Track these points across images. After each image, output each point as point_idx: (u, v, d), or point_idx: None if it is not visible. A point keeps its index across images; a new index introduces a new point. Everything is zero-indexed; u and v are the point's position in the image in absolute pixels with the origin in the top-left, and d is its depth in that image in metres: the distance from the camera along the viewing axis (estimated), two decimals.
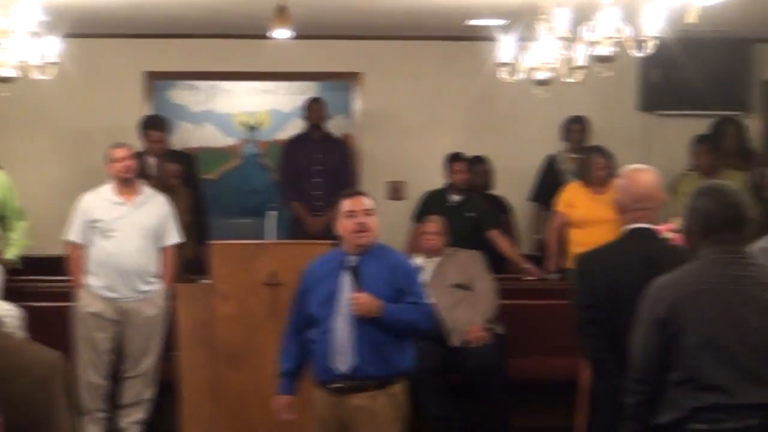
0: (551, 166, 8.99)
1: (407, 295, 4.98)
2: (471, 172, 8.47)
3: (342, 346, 4.91)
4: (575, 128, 8.95)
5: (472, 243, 7.64)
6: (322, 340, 4.94)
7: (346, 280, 4.96)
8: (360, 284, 4.90)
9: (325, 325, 4.94)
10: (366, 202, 5.04)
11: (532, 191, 9.10)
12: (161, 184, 7.71)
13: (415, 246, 7.85)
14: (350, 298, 4.90)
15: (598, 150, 8.29)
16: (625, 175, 4.51)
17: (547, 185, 8.68)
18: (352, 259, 4.97)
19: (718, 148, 8.70)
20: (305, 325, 5.05)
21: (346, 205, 5.03)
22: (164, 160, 7.96)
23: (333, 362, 4.91)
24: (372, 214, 5.02)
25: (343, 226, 5.01)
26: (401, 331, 4.98)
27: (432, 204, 8.19)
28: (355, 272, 4.92)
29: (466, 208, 8.14)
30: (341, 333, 4.91)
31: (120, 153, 7.03)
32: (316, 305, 4.99)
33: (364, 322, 4.89)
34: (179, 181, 8.09)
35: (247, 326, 6.22)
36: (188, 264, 7.67)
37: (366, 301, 4.88)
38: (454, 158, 8.32)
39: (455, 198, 8.22)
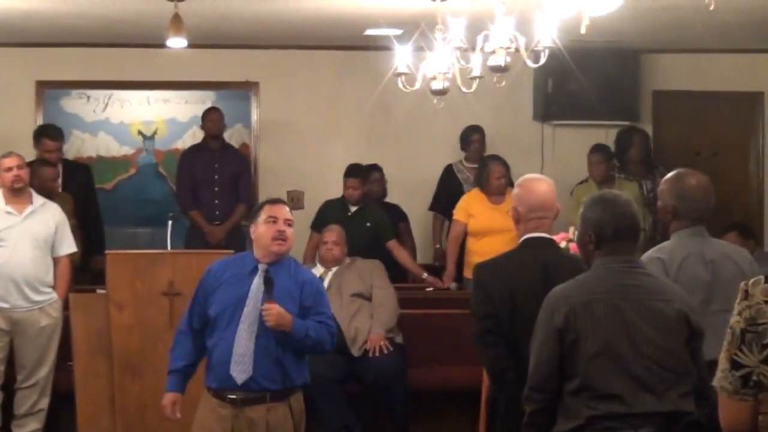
0: (450, 175, 9.05)
1: (314, 314, 4.92)
2: (367, 181, 8.50)
3: (242, 355, 4.81)
4: (474, 138, 9.03)
5: (370, 253, 7.66)
6: (221, 346, 4.84)
7: (254, 288, 4.87)
8: (271, 294, 4.81)
9: (226, 332, 4.84)
10: (287, 212, 4.99)
11: (432, 200, 9.16)
12: (41, 190, 7.56)
13: (313, 255, 7.87)
14: (263, 308, 4.79)
15: (496, 159, 8.38)
16: (522, 185, 4.54)
17: (447, 194, 8.75)
18: (263, 268, 4.89)
19: (623, 158, 8.83)
20: (202, 325, 4.95)
21: (268, 210, 4.95)
22: (37, 166, 7.79)
23: (231, 371, 4.80)
24: (291, 225, 4.96)
25: (261, 231, 4.91)
26: (306, 347, 4.91)
27: (330, 214, 8.19)
28: (269, 282, 4.83)
29: (364, 217, 8.16)
30: (243, 342, 4.82)
31: (10, 162, 6.93)
32: (218, 309, 4.87)
33: (267, 334, 4.81)
34: (56, 185, 7.91)
35: (144, 336, 6.16)
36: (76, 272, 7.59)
37: (279, 313, 4.79)
38: (348, 173, 8.31)
39: (353, 208, 8.23)
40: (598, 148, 8.84)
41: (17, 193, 6.93)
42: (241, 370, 4.80)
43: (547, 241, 4.46)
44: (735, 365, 2.77)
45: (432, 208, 9.15)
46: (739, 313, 2.79)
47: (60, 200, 7.61)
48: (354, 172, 8.30)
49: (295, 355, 4.91)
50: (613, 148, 9.06)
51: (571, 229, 5.66)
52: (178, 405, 4.97)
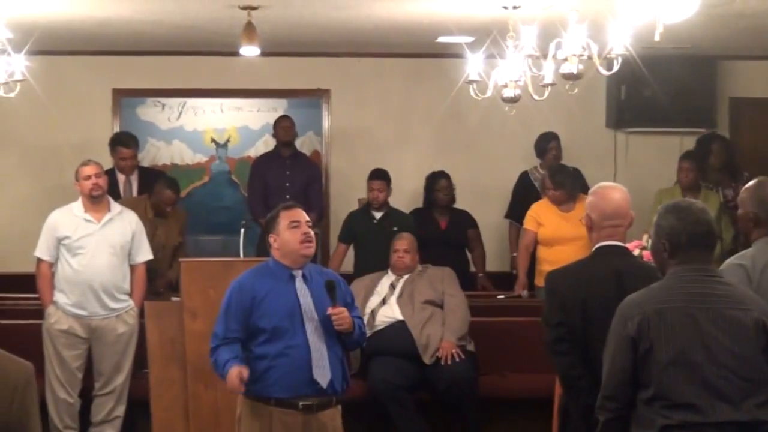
0: (526, 182, 9.01)
1: (352, 311, 5.03)
2: (436, 187, 8.53)
3: (320, 359, 4.85)
4: (551, 145, 8.97)
5: None
6: (293, 354, 4.85)
7: (302, 294, 4.92)
8: (337, 298, 4.88)
9: (294, 339, 4.86)
10: (305, 214, 5.05)
11: (508, 208, 9.12)
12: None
13: (338, 266, 8.05)
14: (332, 312, 4.86)
15: (562, 168, 8.33)
16: (595, 193, 4.51)
17: (522, 202, 8.68)
18: (301, 275, 4.96)
19: (703, 166, 8.73)
20: (248, 338, 4.91)
21: (287, 216, 4.99)
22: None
23: (314, 376, 4.83)
24: (312, 227, 5.04)
25: (286, 237, 4.94)
26: (357, 345, 5.12)
27: (356, 223, 8.26)
28: (333, 287, 4.90)
29: (390, 223, 8.17)
30: (317, 346, 4.87)
31: (89, 170, 7.01)
32: (273, 320, 4.88)
33: (331, 337, 4.90)
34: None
35: None
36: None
37: (347, 315, 4.90)
38: (372, 176, 8.36)
39: (377, 215, 8.25)
40: (689, 155, 8.72)
41: (96, 201, 7.01)
42: (322, 373, 4.86)
43: (621, 249, 4.43)
44: None
45: (508, 215, 9.11)
46: None
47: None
48: (378, 174, 8.34)
49: (347, 357, 5.07)
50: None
51: (645, 236, 5.62)
52: (245, 374, 4.79)
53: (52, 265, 7.00)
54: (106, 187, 7.13)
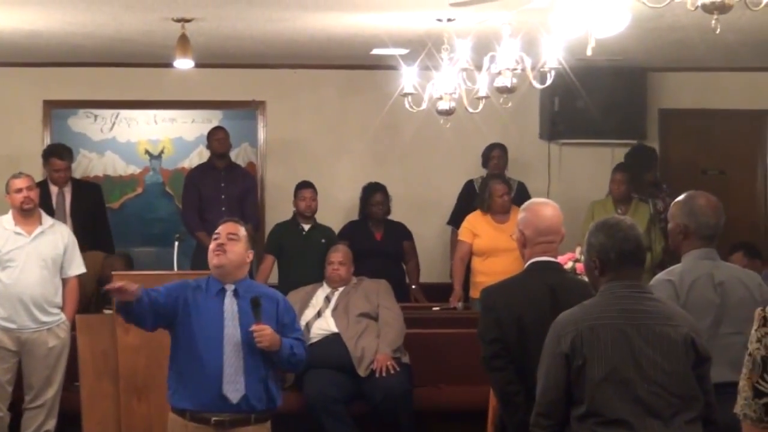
0: (470, 191, 9.04)
1: (290, 331, 5.00)
2: (371, 201, 8.55)
3: (233, 374, 4.83)
4: (494, 154, 9.03)
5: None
6: (206, 366, 4.83)
7: (228, 309, 4.90)
8: (260, 315, 4.86)
9: (209, 353, 4.84)
10: (232, 227, 5.02)
11: (451, 215, 9.16)
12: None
13: (265, 277, 8.07)
14: (254, 329, 4.83)
15: (497, 177, 8.39)
16: (528, 209, 4.52)
17: (466, 210, 8.69)
18: (231, 291, 4.93)
19: (634, 177, 8.80)
20: (162, 300, 4.88)
21: (217, 230, 5.04)
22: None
23: (224, 391, 4.81)
24: (235, 240, 4.98)
25: (209, 249, 5.00)
26: (289, 365, 5.02)
27: (283, 235, 8.27)
28: (258, 304, 4.87)
29: (318, 235, 8.19)
30: (232, 361, 4.84)
31: (20, 183, 6.93)
32: (192, 330, 4.87)
33: (253, 354, 4.85)
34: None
35: (150, 357, 6.12)
36: None
37: (270, 333, 4.85)
38: (301, 186, 8.40)
39: (306, 227, 8.26)
40: (622, 167, 8.81)
41: (27, 214, 6.93)
42: (234, 389, 4.82)
43: (555, 264, 4.45)
44: (758, 393, 2.75)
45: (450, 222, 9.15)
46: (759, 340, 2.76)
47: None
48: (308, 184, 8.39)
49: (275, 376, 4.99)
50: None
51: (578, 249, 5.66)
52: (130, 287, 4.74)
53: None
54: (38, 199, 7.05)
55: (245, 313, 4.89)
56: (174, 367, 4.94)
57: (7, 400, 6.93)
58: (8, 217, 6.97)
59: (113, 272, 6.33)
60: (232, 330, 4.87)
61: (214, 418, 4.83)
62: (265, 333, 4.83)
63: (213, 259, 4.96)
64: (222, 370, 4.82)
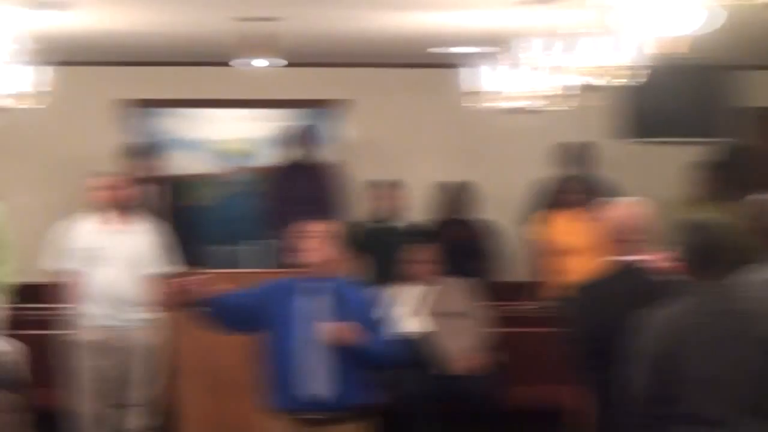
0: (545, 189, 8.99)
1: (377, 328, 4.97)
2: (457, 198, 8.55)
3: (319, 374, 4.86)
4: (571, 153, 8.97)
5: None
6: (294, 365, 4.87)
7: (305, 307, 4.92)
8: (337, 314, 4.86)
9: (298, 352, 4.87)
10: (319, 225, 5.06)
11: (525, 215, 9.10)
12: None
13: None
14: (322, 327, 4.84)
15: (572, 176, 8.32)
16: (615, 208, 4.51)
17: (541, 209, 8.65)
18: (320, 288, 4.95)
19: (722, 176, 8.68)
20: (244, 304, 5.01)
21: (302, 228, 5.09)
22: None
23: (309, 391, 4.85)
24: (318, 238, 5.01)
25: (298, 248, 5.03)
26: (374, 363, 4.97)
27: (367, 233, 8.30)
28: (332, 302, 4.89)
29: (402, 232, 8.19)
30: (318, 360, 4.86)
31: (102, 181, 7.04)
32: (283, 330, 4.92)
33: (341, 352, 4.85)
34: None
35: (247, 356, 6.18)
36: None
37: (338, 330, 4.84)
38: (378, 185, 8.40)
39: (390, 224, 8.31)
40: (707, 166, 8.70)
41: (116, 212, 7.03)
42: (323, 388, 4.86)
43: (638, 264, 4.42)
44: None
45: (522, 221, 9.09)
46: None
47: None
48: (388, 182, 8.44)
49: (366, 374, 4.96)
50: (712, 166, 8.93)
51: (664, 248, 5.60)
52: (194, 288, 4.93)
53: (74, 275, 7.02)
54: (126, 197, 7.15)
55: (332, 311, 4.91)
56: (267, 367, 4.98)
57: (107, 398, 7.02)
58: (96, 215, 7.07)
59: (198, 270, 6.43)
60: (319, 327, 4.88)
61: (307, 417, 4.87)
62: (337, 331, 4.82)
63: (300, 258, 5.00)
64: (310, 369, 4.85)
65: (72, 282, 7.02)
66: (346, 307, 4.92)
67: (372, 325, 4.96)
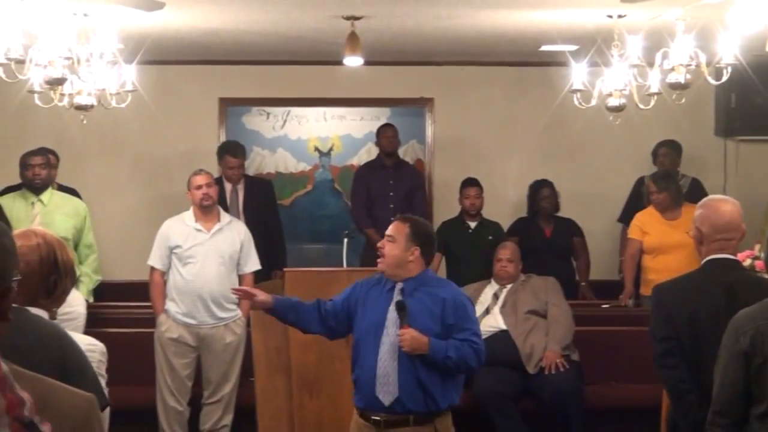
0: (641, 188, 8.91)
1: (458, 331, 4.87)
2: (539, 196, 8.51)
3: (386, 376, 4.83)
4: (662, 152, 8.87)
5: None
6: (366, 367, 4.88)
7: (392, 308, 4.88)
8: (407, 319, 4.79)
9: (370, 353, 4.87)
10: (394, 228, 4.98)
11: (622, 212, 9.04)
12: None
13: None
14: (398, 333, 4.79)
15: (658, 175, 8.20)
16: (706, 206, 4.45)
17: (636, 208, 8.58)
18: (398, 290, 4.91)
19: None
20: (332, 310, 5.04)
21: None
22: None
23: (376, 392, 4.84)
24: (393, 242, 4.94)
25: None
26: (448, 368, 4.86)
27: (450, 232, 8.23)
28: (402, 307, 4.81)
29: (484, 232, 8.14)
30: (385, 363, 4.84)
31: (200, 180, 7.09)
32: (362, 327, 4.94)
33: (409, 356, 4.80)
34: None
35: (322, 354, 6.22)
36: None
37: (413, 338, 4.77)
38: (466, 183, 8.33)
39: (472, 224, 8.21)
40: None
41: (206, 211, 7.09)
42: (386, 391, 4.83)
43: (733, 262, 4.37)
44: None
45: (621, 219, 9.02)
46: None
47: None
48: (474, 182, 8.35)
49: (441, 377, 4.87)
50: None
51: (757, 247, 5.53)
52: (258, 296, 5.14)
53: (164, 273, 7.10)
54: (217, 197, 7.20)
55: (413, 312, 4.84)
56: (352, 365, 5.01)
57: (186, 395, 7.10)
58: (189, 214, 7.14)
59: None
60: (391, 330, 4.85)
61: (373, 417, 4.89)
62: (405, 338, 4.76)
63: (380, 259, 4.99)
64: (376, 371, 4.84)
65: (159, 280, 7.09)
66: (427, 309, 4.87)
67: (449, 327, 4.89)
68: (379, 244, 4.99)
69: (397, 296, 4.90)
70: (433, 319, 4.86)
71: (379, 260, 4.98)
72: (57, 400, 2.19)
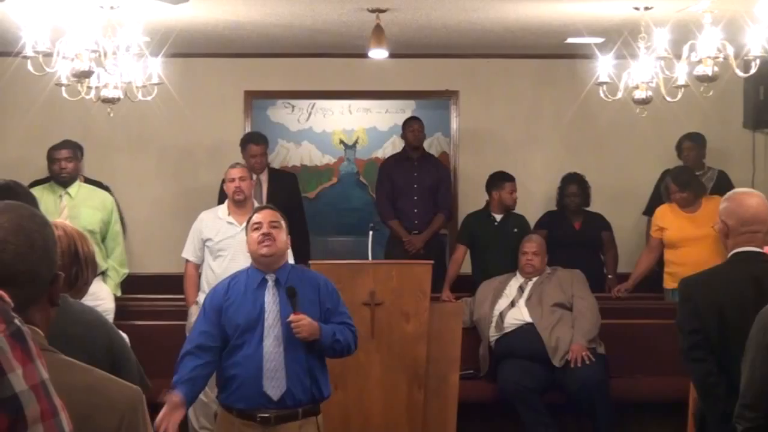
0: (664, 182, 8.86)
1: (335, 315, 4.81)
2: (568, 191, 8.50)
3: (274, 370, 4.69)
4: (685, 146, 8.82)
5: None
6: (247, 364, 4.71)
7: (270, 300, 4.76)
8: (298, 306, 4.67)
9: (249, 349, 4.72)
10: (271, 215, 4.87)
11: (647, 205, 9.01)
12: None
13: (457, 267, 8.10)
14: (291, 320, 4.66)
15: (678, 170, 8.14)
16: (732, 199, 4.43)
17: (662, 200, 8.54)
18: (272, 281, 4.79)
19: None
20: (220, 342, 4.79)
21: (253, 219, 4.90)
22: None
23: (264, 388, 4.68)
24: (278, 228, 4.84)
25: (249, 240, 4.86)
26: (334, 352, 4.80)
27: (475, 225, 8.21)
28: (294, 293, 4.69)
29: (509, 225, 8.12)
30: (272, 356, 4.70)
31: (234, 173, 7.10)
32: (235, 327, 4.75)
33: (294, 345, 4.69)
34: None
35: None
36: None
37: (308, 323, 4.67)
38: (504, 178, 8.29)
39: (498, 217, 8.21)
40: None
41: (239, 204, 7.09)
42: (275, 385, 4.69)
43: (760, 255, 4.34)
44: None
45: (647, 212, 8.99)
46: None
47: None
48: (511, 176, 8.29)
49: (323, 364, 4.81)
50: None
51: None
52: (178, 415, 4.62)
53: (198, 266, 7.11)
54: (250, 191, 7.20)
55: (285, 303, 4.72)
56: (223, 365, 4.81)
57: (214, 388, 7.06)
58: (224, 207, 7.15)
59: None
60: (272, 323, 4.73)
61: (259, 415, 4.71)
62: (302, 323, 4.65)
63: (261, 249, 4.79)
64: (262, 366, 4.69)
65: (192, 272, 7.11)
66: (307, 295, 4.76)
67: (327, 311, 4.80)
68: (264, 230, 4.81)
69: (273, 287, 4.77)
70: (312, 305, 4.77)
71: (267, 245, 4.79)
72: (107, 390, 2.28)
